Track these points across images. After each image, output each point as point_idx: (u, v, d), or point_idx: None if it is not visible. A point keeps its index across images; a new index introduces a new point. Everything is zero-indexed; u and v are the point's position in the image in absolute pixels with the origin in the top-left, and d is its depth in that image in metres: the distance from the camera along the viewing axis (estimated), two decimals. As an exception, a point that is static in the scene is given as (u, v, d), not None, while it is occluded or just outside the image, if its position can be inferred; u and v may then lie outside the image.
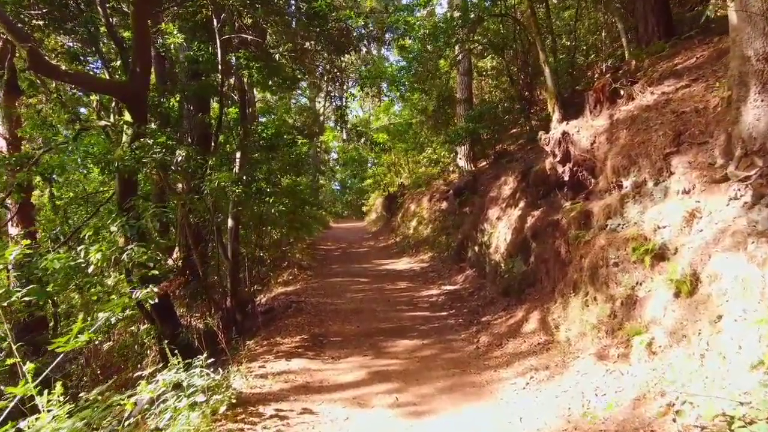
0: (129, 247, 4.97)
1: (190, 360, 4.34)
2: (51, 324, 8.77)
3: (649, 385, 3.45)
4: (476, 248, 9.12)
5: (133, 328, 8.63)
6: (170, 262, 10.45)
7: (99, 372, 8.34)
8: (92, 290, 5.18)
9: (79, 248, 4.95)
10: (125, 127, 6.27)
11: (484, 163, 12.22)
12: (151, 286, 4.99)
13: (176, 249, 10.76)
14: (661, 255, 4.21)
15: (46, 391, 2.83)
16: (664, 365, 3.55)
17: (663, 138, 4.71)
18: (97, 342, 8.51)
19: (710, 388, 3.01)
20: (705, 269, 3.59)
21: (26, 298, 4.79)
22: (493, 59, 14.56)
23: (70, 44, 7.61)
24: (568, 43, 11.50)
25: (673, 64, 6.17)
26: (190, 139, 10.42)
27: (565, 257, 5.72)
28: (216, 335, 7.12)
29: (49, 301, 7.20)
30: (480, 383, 4.46)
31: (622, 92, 5.81)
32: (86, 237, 5.14)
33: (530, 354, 4.94)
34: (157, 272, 5.47)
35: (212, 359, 5.69)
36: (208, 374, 3.69)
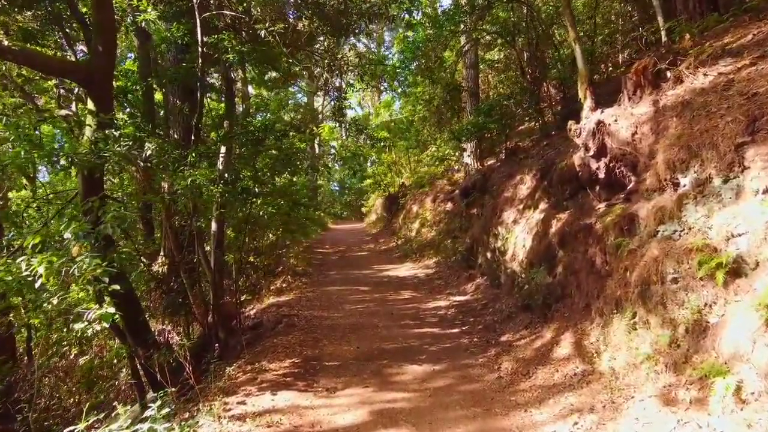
0: (79, 257, 4.08)
1: (155, 394, 3.50)
2: (25, 336, 7.92)
3: (748, 450, 2.59)
4: (488, 254, 8.25)
5: (111, 341, 7.79)
6: (154, 268, 9.59)
7: (74, 389, 7.53)
8: (37, 311, 4.29)
9: (19, 259, 4.08)
10: (88, 116, 5.39)
11: (494, 160, 11.36)
12: (105, 304, 4.14)
13: (161, 254, 9.85)
14: (736, 270, 3.36)
15: None
16: (764, 420, 2.69)
17: (732, 125, 3.84)
18: (71, 356, 7.67)
19: None
20: (816, 293, 2.73)
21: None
22: (500, 51, 13.72)
23: (34, 26, 6.71)
24: (587, 31, 10.67)
25: (724, 43, 5.31)
26: (176, 134, 9.53)
27: (602, 269, 4.85)
28: (196, 356, 6.24)
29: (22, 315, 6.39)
30: (510, 430, 3.58)
31: (668, 74, 4.94)
32: (29, 246, 4.24)
33: (567, 388, 4.06)
34: (118, 287, 4.58)
35: (182, 393, 4.85)
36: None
